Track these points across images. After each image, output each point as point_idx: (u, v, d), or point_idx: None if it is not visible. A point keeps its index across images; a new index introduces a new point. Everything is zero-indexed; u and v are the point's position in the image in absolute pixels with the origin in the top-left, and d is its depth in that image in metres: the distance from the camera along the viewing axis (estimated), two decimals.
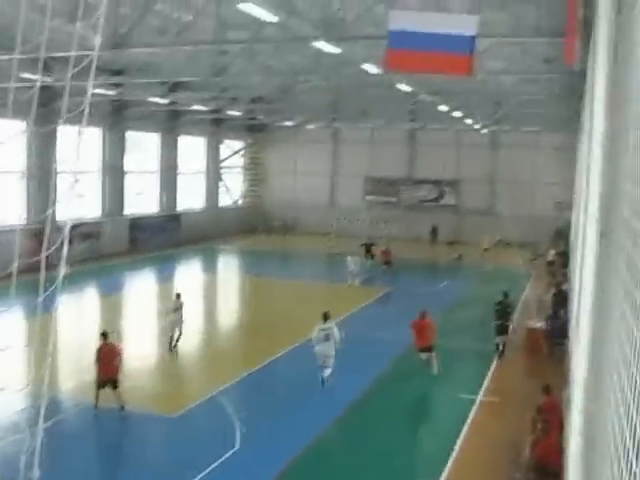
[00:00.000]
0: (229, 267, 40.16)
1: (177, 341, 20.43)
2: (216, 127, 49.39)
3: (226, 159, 52.25)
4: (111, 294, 29.25)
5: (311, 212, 52.67)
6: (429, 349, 18.83)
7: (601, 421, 4.56)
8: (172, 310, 20.63)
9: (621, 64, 5.43)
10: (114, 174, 39.45)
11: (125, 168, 40.20)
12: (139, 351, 20.35)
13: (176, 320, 20.44)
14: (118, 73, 31.31)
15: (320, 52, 20.51)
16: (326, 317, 17.10)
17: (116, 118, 38.81)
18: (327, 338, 16.69)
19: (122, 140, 39.90)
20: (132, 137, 41.01)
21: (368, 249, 35.92)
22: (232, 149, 53.11)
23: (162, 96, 34.83)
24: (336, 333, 16.75)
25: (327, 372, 16.82)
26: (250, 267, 38.75)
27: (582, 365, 8.75)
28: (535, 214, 47.50)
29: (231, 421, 14.92)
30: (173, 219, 44.70)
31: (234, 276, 36.62)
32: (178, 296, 20.84)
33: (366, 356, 19.92)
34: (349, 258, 32.41)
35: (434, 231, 47.03)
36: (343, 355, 17.04)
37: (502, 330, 20.47)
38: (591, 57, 12.70)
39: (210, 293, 31.84)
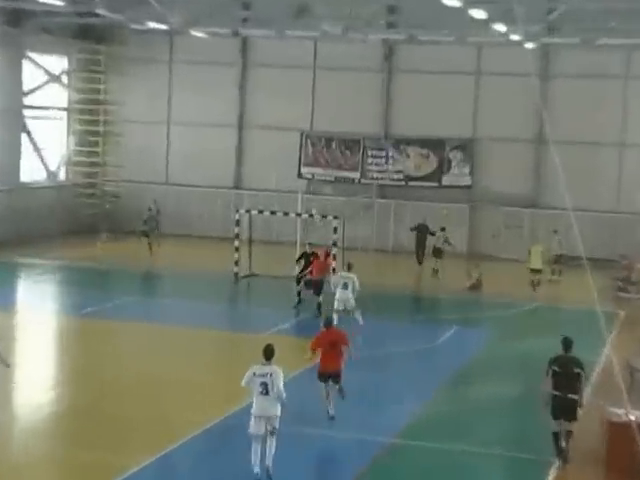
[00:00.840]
0: (40, 300, 39.79)
1: None
2: (13, 27, 48.82)
3: (35, 91, 51.89)
4: None
5: (200, 198, 53.12)
6: (337, 376, 22.42)
7: None
8: None
9: None
10: None
11: None
12: None
13: None
14: None
15: None
16: (270, 353, 19.31)
17: None
18: (266, 390, 18.96)
19: None
20: None
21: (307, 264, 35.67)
22: (47, 72, 52.70)
23: None
24: (279, 382, 19.06)
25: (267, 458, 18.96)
26: (83, 301, 38.09)
27: None
28: (623, 206, 47.80)
29: None
30: None
31: (50, 318, 36.20)
32: None
33: (301, 472, 20.17)
34: (341, 274, 33.45)
35: (420, 231, 46.53)
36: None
37: (566, 410, 20.23)
38: None
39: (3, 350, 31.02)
